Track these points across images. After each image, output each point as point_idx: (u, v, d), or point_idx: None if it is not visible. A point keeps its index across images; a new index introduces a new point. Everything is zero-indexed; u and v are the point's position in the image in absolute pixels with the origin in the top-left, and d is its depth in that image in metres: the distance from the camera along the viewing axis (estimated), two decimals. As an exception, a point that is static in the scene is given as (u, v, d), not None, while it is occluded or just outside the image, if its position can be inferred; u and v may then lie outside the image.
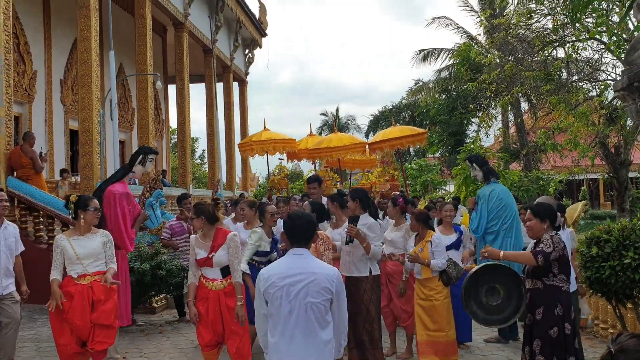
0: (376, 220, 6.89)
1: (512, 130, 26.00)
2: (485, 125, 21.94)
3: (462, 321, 6.13)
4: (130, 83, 18.93)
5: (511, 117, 24.56)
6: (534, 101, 19.33)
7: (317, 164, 15.27)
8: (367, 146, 12.42)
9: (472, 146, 19.64)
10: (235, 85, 24.43)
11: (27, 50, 14.42)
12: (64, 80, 16.12)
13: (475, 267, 4.42)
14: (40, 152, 10.30)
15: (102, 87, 15.01)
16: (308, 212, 3.79)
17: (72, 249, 4.62)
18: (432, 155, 33.96)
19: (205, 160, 45.91)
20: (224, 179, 21.64)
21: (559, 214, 4.57)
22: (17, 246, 5.54)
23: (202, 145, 43.04)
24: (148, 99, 14.83)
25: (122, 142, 18.53)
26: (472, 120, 26.95)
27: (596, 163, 15.17)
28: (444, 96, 28.56)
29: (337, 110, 49.13)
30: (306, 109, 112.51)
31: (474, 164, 7.05)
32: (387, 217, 7.07)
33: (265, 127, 13.74)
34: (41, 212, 9.30)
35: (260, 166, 78.85)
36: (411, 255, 5.69)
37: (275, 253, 5.79)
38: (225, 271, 4.70)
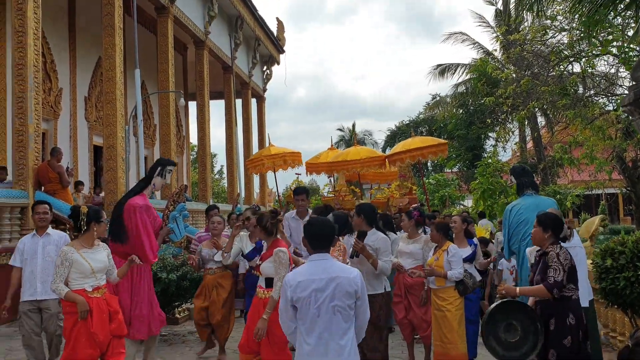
0: (395, 233, 7.05)
1: (530, 144, 26.00)
2: (502, 139, 22.00)
3: (470, 335, 6.16)
4: (152, 100, 19.34)
5: (528, 131, 24.61)
6: (550, 116, 19.38)
7: (333, 178, 15.41)
8: (386, 159, 12.40)
9: (489, 160, 19.72)
10: (253, 102, 24.79)
11: (53, 68, 14.87)
12: (88, 98, 16.56)
13: (493, 305, 4.50)
14: (67, 167, 10.63)
15: (125, 104, 15.41)
16: (327, 218, 3.90)
17: (86, 262, 4.56)
18: (450, 170, 33.97)
19: (224, 175, 46.31)
20: (242, 194, 21.91)
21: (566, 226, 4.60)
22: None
23: (220, 161, 43.47)
24: (170, 116, 15.18)
25: (144, 158, 18.92)
26: (490, 134, 27.01)
27: (613, 177, 15.16)
28: (461, 111, 28.66)
29: (353, 126, 49.39)
30: (322, 125, 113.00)
31: (512, 176, 6.83)
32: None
33: (270, 143, 14.00)
34: (67, 225, 9.57)
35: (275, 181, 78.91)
36: (427, 270, 5.81)
37: (257, 259, 5.93)
38: (269, 282, 4.78)
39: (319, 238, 3.53)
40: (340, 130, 50.12)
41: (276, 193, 28.21)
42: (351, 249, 5.15)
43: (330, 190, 16.74)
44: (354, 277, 3.42)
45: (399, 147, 12.21)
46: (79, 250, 4.55)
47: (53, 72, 14.87)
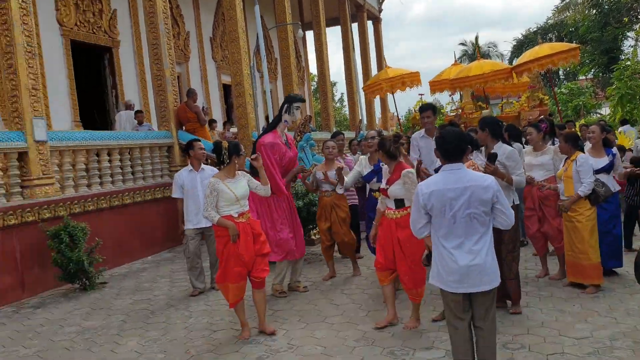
0: (522, 145, 6.93)
1: (677, 40, 23.41)
2: (643, 38, 20.03)
3: (610, 246, 6.04)
4: (271, 34, 19.78)
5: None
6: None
7: (460, 95, 15.07)
8: (512, 71, 11.88)
9: (627, 63, 18.16)
10: (369, 24, 24.41)
11: (179, 13, 15.69)
12: (213, 38, 17.35)
13: None
14: (203, 106, 11.42)
15: (247, 41, 15.97)
16: (459, 129, 3.85)
17: (230, 191, 5.00)
18: (584, 77, 31.65)
19: (345, 103, 46.49)
20: (364, 120, 22.09)
21: None
22: None
23: (340, 89, 43.77)
24: (289, 48, 15.49)
25: (270, 92, 19.60)
26: (628, 34, 24.63)
27: None
28: (594, 11, 26.29)
29: (476, 39, 46.98)
30: (443, 40, 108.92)
31: None
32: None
33: (386, 65, 13.81)
34: (209, 161, 10.39)
35: (398, 104, 77.96)
36: (562, 206, 5.69)
37: (375, 180, 6.00)
38: (399, 203, 4.99)
39: (451, 149, 3.54)
40: (462, 44, 48.07)
41: (397, 116, 28.00)
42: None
43: (453, 108, 16.45)
44: (488, 185, 3.44)
45: (526, 56, 11.60)
46: (224, 180, 5.02)
47: (179, 17, 15.70)
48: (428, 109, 6.83)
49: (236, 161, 5.11)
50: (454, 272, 3.47)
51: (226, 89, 17.85)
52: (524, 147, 6.83)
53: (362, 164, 6.33)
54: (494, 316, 3.61)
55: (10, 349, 5.24)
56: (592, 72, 28.56)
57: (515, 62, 13.08)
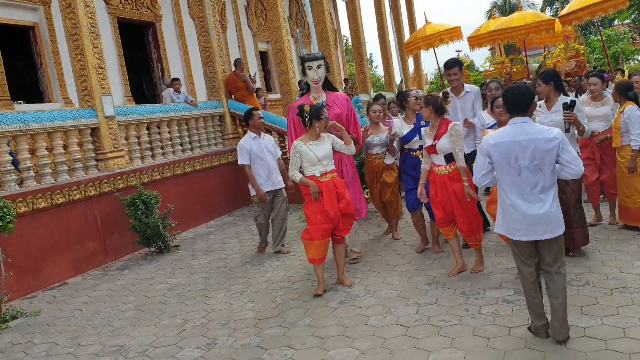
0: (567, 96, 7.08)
1: None
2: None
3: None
4: (303, -2, 19.82)
5: None
6: None
7: (500, 49, 15.06)
8: (558, 20, 11.77)
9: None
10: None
11: (214, -18, 15.89)
12: (247, 7, 17.53)
13: None
14: (250, 75, 11.74)
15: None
16: (525, 84, 3.96)
17: (311, 152, 5.35)
18: (621, 23, 30.84)
19: (374, 63, 46.18)
20: (397, 79, 22.09)
21: None
22: (276, 151, 7.10)
23: (369, 49, 43.43)
24: (324, 12, 15.57)
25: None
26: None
27: None
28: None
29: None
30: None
31: None
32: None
33: (426, 21, 13.76)
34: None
35: (427, 62, 76.83)
36: (629, 168, 5.83)
37: (417, 137, 5.98)
38: (449, 158, 5.26)
39: (516, 103, 3.68)
40: (491, -4, 47.05)
41: (427, 75, 27.67)
42: (564, 123, 4.98)
43: (491, 63, 16.41)
44: (553, 137, 3.58)
45: (575, 4, 11.38)
46: (306, 143, 5.38)
47: (215, -14, 15.92)
48: (453, 66, 6.39)
49: (317, 124, 5.38)
50: (518, 221, 3.65)
51: (263, 57, 18.12)
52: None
53: (398, 127, 6.22)
54: (563, 261, 3.75)
55: (111, 305, 5.81)
56: (631, 18, 27.82)
57: (548, 11, 12.98)
